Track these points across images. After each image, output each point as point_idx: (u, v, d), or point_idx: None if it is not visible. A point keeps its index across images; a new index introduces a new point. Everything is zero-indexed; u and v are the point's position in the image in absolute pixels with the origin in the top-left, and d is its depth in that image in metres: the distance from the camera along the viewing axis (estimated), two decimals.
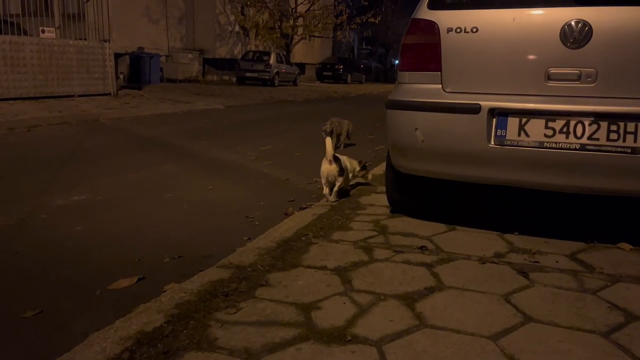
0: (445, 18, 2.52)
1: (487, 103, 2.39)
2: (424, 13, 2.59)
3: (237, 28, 26.70)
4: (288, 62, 25.07)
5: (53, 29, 11.21)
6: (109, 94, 12.36)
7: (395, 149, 2.74)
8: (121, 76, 18.43)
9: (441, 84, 2.54)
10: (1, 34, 10.13)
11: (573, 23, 2.27)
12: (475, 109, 2.40)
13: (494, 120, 2.40)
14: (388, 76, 43.74)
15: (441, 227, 2.86)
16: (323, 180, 3.51)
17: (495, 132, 2.39)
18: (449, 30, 2.49)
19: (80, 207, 3.58)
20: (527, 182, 2.44)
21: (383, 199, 3.44)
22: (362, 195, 3.62)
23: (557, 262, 2.35)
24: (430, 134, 2.52)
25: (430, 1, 2.59)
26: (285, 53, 25.93)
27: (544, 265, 2.31)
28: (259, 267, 2.26)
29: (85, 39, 12.00)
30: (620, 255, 2.45)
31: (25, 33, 10.96)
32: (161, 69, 21.27)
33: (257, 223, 3.27)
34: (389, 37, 45.45)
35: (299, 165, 5.26)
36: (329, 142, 3.55)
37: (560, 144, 2.28)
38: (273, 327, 1.73)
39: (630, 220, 3.00)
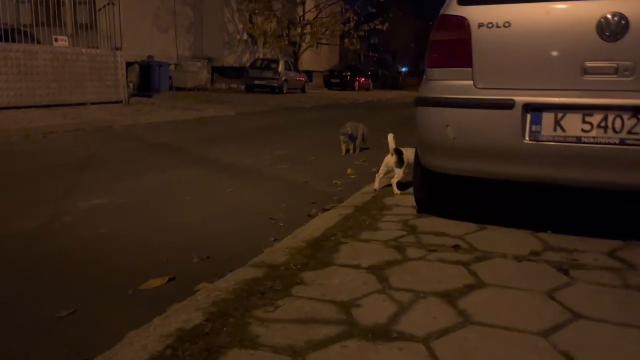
0: (476, 13, 2.48)
1: (521, 98, 2.35)
2: (454, 8, 2.56)
3: (245, 36, 26.86)
4: (296, 70, 25.15)
5: (66, 37, 11.29)
6: (121, 101, 12.41)
7: (425, 146, 2.70)
8: (131, 84, 18.52)
9: (472, 80, 2.50)
10: (15, 42, 10.21)
11: (609, 15, 2.23)
12: (509, 105, 2.36)
13: (529, 115, 2.35)
14: (395, 83, 43.81)
15: (471, 226, 2.81)
16: (381, 169, 3.77)
17: (530, 127, 2.34)
18: (480, 25, 2.46)
19: (103, 210, 3.56)
20: (564, 179, 2.39)
21: (409, 200, 3.40)
22: (386, 196, 3.58)
23: (596, 259, 2.29)
24: (463, 130, 2.48)
25: None
26: (293, 60, 26.01)
27: (583, 262, 2.25)
28: (292, 266, 2.22)
29: (97, 47, 12.08)
30: None
31: (38, 42, 11.04)
32: (170, 78, 21.39)
33: (281, 224, 3.23)
34: (396, 44, 45.62)
35: (316, 169, 5.23)
36: (390, 137, 3.77)
37: (599, 139, 2.23)
38: (314, 324, 1.69)
39: None
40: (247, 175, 4.90)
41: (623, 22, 2.20)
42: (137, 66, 19.59)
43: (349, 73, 32.00)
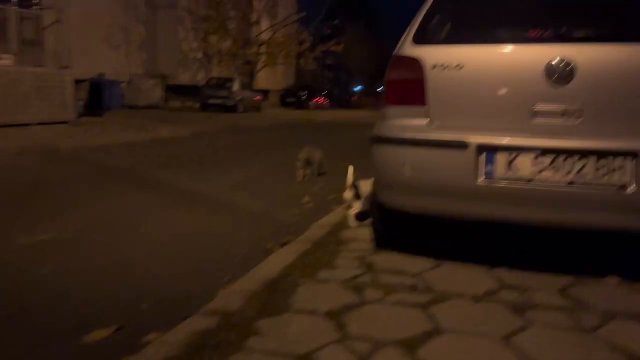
0: (430, 54, 2.52)
1: (474, 139, 2.38)
2: (409, 49, 2.59)
3: (199, 54, 26.62)
4: (252, 89, 25.11)
5: (10, 55, 10.84)
6: (69, 121, 11.98)
7: (382, 184, 2.69)
8: (80, 103, 17.91)
9: (428, 119, 2.52)
10: None
11: (557, 61, 2.30)
12: (463, 145, 2.39)
13: (482, 156, 2.39)
14: (350, 102, 44.45)
15: (429, 262, 2.81)
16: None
17: (484, 168, 2.38)
18: (434, 66, 2.50)
19: (48, 246, 3.36)
20: (517, 219, 2.43)
21: (366, 233, 3.38)
22: (344, 228, 3.55)
23: (549, 299, 2.33)
24: (419, 170, 2.49)
25: (414, 36, 2.59)
26: (248, 80, 25.97)
27: (537, 302, 2.28)
28: (247, 313, 2.14)
29: (43, 66, 11.66)
30: (608, 289, 2.45)
31: None
32: (122, 95, 20.90)
33: (237, 260, 3.15)
34: (351, 63, 46.39)
35: (274, 196, 5.17)
36: (350, 170, 3.82)
37: (549, 181, 2.29)
38: None
39: (615, 253, 3.03)
40: (203, 203, 4.77)
41: (570, 67, 2.28)
42: (87, 84, 19.02)
43: (304, 93, 32.23)
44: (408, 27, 2.69)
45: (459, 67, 2.45)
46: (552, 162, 2.29)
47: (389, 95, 2.64)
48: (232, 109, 22.69)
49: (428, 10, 2.62)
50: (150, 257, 3.21)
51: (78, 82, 15.00)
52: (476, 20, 2.66)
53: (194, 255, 3.25)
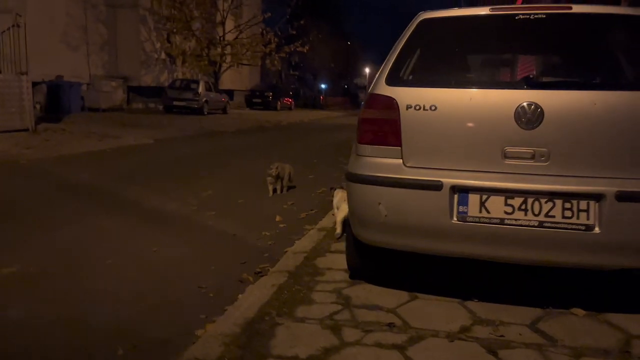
0: (404, 95, 2.57)
1: (448, 180, 2.44)
2: (383, 89, 2.63)
3: (163, 55, 26.16)
4: (217, 90, 24.84)
5: None
6: (27, 129, 11.58)
7: (357, 220, 2.73)
8: (37, 106, 17.37)
9: (402, 158, 2.57)
10: None
11: (525, 105, 2.38)
12: (437, 186, 2.44)
13: (456, 196, 2.45)
14: (316, 102, 44.48)
15: (403, 295, 2.87)
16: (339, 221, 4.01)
17: (458, 208, 2.44)
18: (408, 107, 2.54)
19: (12, 282, 3.26)
20: (489, 256, 2.50)
21: (340, 261, 3.42)
22: (318, 256, 3.57)
23: (520, 334, 2.41)
24: (394, 208, 2.54)
25: (388, 77, 2.63)
26: (214, 81, 25.66)
27: (509, 339, 2.36)
28: None
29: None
30: (576, 322, 2.56)
31: None
32: (82, 98, 20.35)
33: (211, 295, 3.13)
34: (316, 62, 46.39)
35: (244, 216, 5.14)
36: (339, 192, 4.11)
37: (520, 221, 2.37)
38: None
39: (580, 285, 3.14)
40: (172, 225, 4.71)
41: (538, 110, 2.36)
42: (44, 86, 18.47)
43: (271, 93, 32.09)
44: (381, 68, 2.73)
45: (432, 108, 2.50)
46: (522, 203, 2.37)
47: (363, 133, 2.67)
48: (197, 111, 22.38)
49: (400, 52, 2.66)
50: (122, 292, 3.15)
51: (35, 84, 14.51)
52: (449, 64, 2.72)
53: (168, 290, 3.21)
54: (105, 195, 5.89)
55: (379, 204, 2.55)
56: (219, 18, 27.47)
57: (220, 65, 27.32)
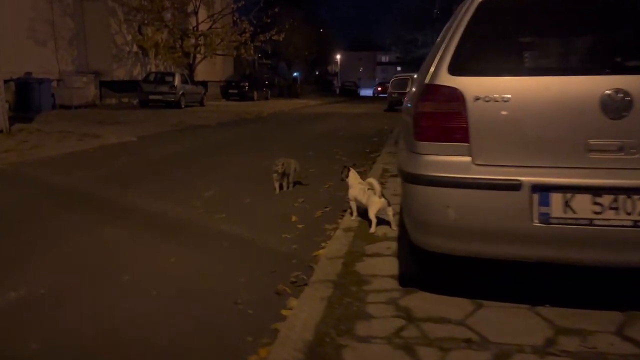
0: (472, 85, 2.31)
1: (528, 179, 2.20)
2: (445, 78, 2.36)
3: (135, 48, 25.33)
4: (193, 82, 24.20)
5: None
6: (1, 131, 10.96)
7: (418, 226, 2.47)
8: (7, 105, 16.59)
9: (470, 156, 2.32)
10: None
11: (611, 92, 2.15)
12: (515, 186, 2.20)
13: (535, 196, 2.21)
14: (292, 91, 43.98)
15: (465, 303, 2.63)
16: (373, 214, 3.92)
17: (538, 209, 2.20)
18: (477, 98, 2.29)
19: (24, 307, 2.91)
20: (575, 260, 2.28)
21: (382, 266, 3.18)
22: (355, 261, 3.31)
23: (612, 344, 2.21)
24: (465, 212, 2.29)
25: (451, 66, 2.36)
26: (188, 73, 24.99)
27: (603, 351, 2.15)
28: None
29: None
30: None
31: None
32: (53, 95, 19.55)
33: (250, 312, 2.84)
34: (290, 52, 45.81)
35: (257, 217, 4.84)
36: (375, 182, 3.99)
37: (611, 221, 2.15)
38: None
39: None
40: (182, 232, 4.37)
41: (627, 98, 2.13)
42: (12, 84, 17.64)
43: (247, 83, 31.51)
44: (437, 55, 2.46)
45: (505, 99, 2.25)
46: (613, 201, 2.15)
47: (423, 129, 2.41)
48: (174, 104, 21.77)
49: (462, 38, 2.39)
50: (147, 313, 2.84)
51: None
52: (520, 49, 2.46)
53: (199, 308, 2.91)
54: (101, 201, 5.49)
55: (448, 207, 2.30)
56: (191, 8, 26.71)
57: (195, 57, 26.63)
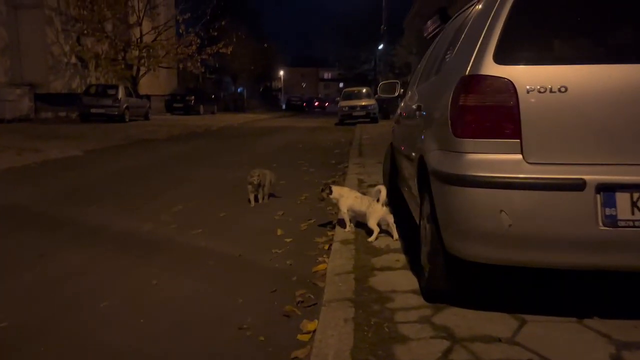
0: (523, 75, 2.08)
1: (592, 177, 1.98)
2: (491, 68, 2.12)
3: (73, 59, 24.06)
4: (137, 95, 23.21)
5: None
6: None
7: (464, 235, 2.19)
8: None
9: (521, 153, 2.08)
10: None
11: None
12: (578, 185, 1.98)
13: (599, 197, 2.00)
14: (238, 105, 43.39)
15: (507, 319, 2.37)
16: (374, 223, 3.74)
17: (604, 211, 1.99)
18: (530, 90, 2.06)
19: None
20: None
21: (398, 281, 2.90)
22: (367, 276, 2.99)
23: None
24: (521, 216, 2.04)
25: (497, 53, 2.13)
26: (132, 85, 23.97)
27: None
28: None
29: None
30: None
31: None
32: None
33: (261, 339, 2.46)
34: (235, 66, 45.15)
35: (238, 232, 4.44)
36: (383, 190, 3.79)
37: None
38: None
39: None
40: (159, 251, 3.90)
41: None
42: None
43: (192, 97, 30.67)
44: (478, 41, 2.21)
45: (562, 90, 2.03)
46: None
47: (465, 125, 2.16)
48: (118, 118, 20.75)
49: (509, 18, 2.15)
50: (138, 345, 2.42)
51: None
52: (575, 33, 2.25)
53: (200, 337, 2.51)
54: (57, 221, 4.88)
55: (501, 212, 2.04)
56: (134, 19, 25.74)
57: (138, 69, 25.63)
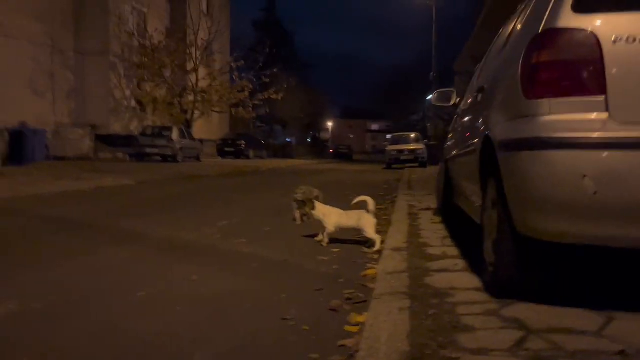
0: (607, 24, 1.86)
1: None
2: (569, 18, 1.92)
3: (133, 103, 25.23)
4: (191, 138, 23.92)
5: None
6: None
7: (540, 207, 1.92)
8: None
9: (607, 111, 1.83)
10: None
11: None
12: None
13: None
14: (286, 152, 44.06)
15: (591, 314, 2.05)
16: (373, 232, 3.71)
17: None
18: (617, 40, 1.83)
19: (12, 322, 2.28)
20: None
21: (459, 280, 2.61)
22: (422, 276, 2.71)
23: None
24: (608, 182, 1.77)
25: (576, 1, 1.92)
26: (186, 128, 24.78)
27: None
28: None
29: None
30: None
31: None
32: (47, 147, 19.08)
33: (306, 328, 2.22)
34: (286, 114, 46.26)
35: (282, 242, 4.25)
36: (369, 199, 3.82)
37: None
38: None
39: None
40: (201, 255, 3.77)
41: None
42: (6, 133, 17.19)
43: (243, 142, 31.36)
44: None
45: None
46: None
47: (540, 83, 1.94)
48: (171, 158, 21.33)
49: None
50: (175, 331, 2.22)
51: None
52: None
53: (241, 325, 2.30)
54: (104, 228, 4.89)
55: (584, 177, 1.77)
56: (191, 66, 26.93)
57: (193, 113, 26.56)
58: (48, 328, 2.23)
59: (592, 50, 1.84)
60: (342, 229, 3.94)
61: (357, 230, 3.96)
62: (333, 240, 4.12)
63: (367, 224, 3.78)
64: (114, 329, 2.22)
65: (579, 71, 1.87)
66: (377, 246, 3.64)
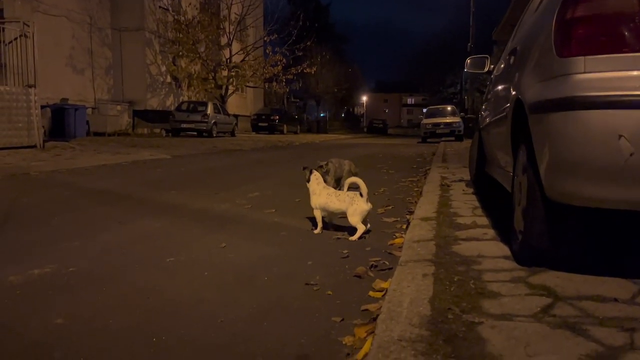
0: None
1: None
2: None
3: (168, 79, 25.52)
4: (225, 113, 24.12)
5: None
6: (35, 146, 10.75)
7: (571, 171, 1.85)
8: (42, 130, 16.61)
9: None
10: None
11: None
12: None
13: None
14: (320, 127, 43.94)
15: (624, 283, 1.98)
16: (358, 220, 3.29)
17: None
18: None
19: (49, 284, 2.38)
20: None
21: (487, 248, 2.56)
22: (449, 244, 2.68)
23: None
24: None
25: None
26: (221, 103, 24.98)
27: None
28: None
29: (5, 85, 10.44)
30: None
31: None
32: (87, 122, 19.60)
33: (329, 293, 2.23)
34: (320, 88, 46.03)
35: (311, 213, 4.25)
36: (361, 182, 3.44)
37: None
38: None
39: None
40: (231, 223, 3.82)
41: None
42: (48, 110, 17.72)
43: (277, 117, 31.42)
44: None
45: None
46: None
47: (574, 41, 1.84)
48: (205, 133, 21.62)
49: None
50: (200, 294, 2.27)
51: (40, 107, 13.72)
52: None
53: (265, 290, 2.33)
54: (139, 200, 5.01)
55: (620, 137, 1.69)
56: (224, 41, 26.97)
57: (227, 88, 26.71)
58: (81, 289, 2.31)
59: (631, 2, 1.73)
60: (328, 212, 3.52)
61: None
62: None
63: (355, 209, 3.32)
64: (145, 292, 2.28)
65: (618, 26, 1.76)
66: (356, 237, 3.23)
